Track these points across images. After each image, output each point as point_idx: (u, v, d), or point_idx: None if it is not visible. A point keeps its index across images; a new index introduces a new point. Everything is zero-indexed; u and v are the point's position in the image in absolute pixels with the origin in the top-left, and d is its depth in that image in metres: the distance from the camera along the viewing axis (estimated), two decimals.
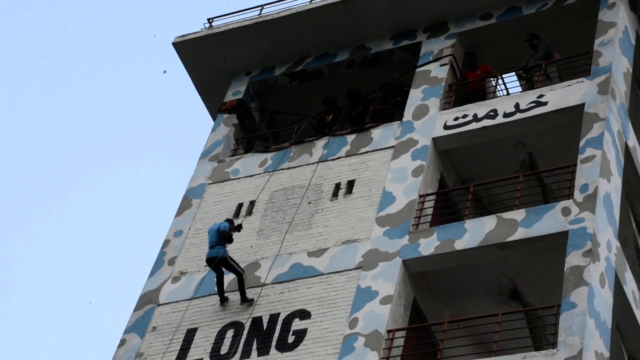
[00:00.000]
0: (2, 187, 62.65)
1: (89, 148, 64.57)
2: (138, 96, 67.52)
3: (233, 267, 21.33)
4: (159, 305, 22.33)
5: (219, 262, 21.20)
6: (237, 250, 22.47)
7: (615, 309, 20.08)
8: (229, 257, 21.33)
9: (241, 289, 21.25)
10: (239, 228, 21.77)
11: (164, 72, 64.17)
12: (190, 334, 21.34)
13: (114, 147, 65.64)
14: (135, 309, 22.44)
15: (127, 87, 67.24)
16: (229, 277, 21.54)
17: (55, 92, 65.52)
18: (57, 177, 65.21)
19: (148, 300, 22.51)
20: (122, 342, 21.88)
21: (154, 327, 21.88)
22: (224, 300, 21.48)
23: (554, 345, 18.46)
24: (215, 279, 21.46)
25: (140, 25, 67.88)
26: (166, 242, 23.69)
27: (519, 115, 22.68)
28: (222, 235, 21.36)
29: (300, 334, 20.44)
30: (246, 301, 21.23)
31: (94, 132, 65.19)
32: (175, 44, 27.29)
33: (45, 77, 65.92)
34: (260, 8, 27.04)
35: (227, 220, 21.87)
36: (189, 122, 65.49)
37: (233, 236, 21.54)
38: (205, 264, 21.59)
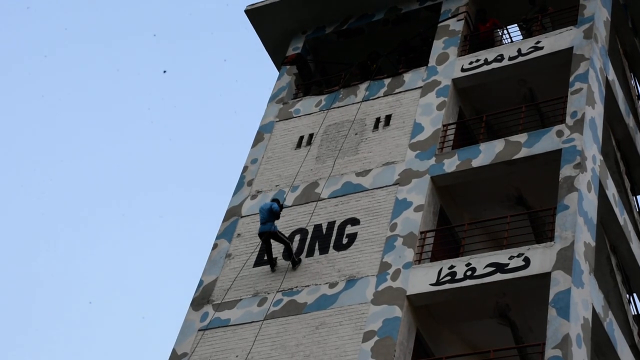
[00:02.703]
0: (13, 185, 54.92)
1: (89, 147, 56.73)
2: (138, 96, 59.26)
3: (281, 238, 20.44)
4: (241, 217, 22.44)
5: (269, 236, 20.41)
6: (300, 173, 22.56)
7: (599, 208, 20.19)
8: (278, 231, 20.51)
9: (290, 254, 20.41)
10: (282, 206, 20.85)
11: (164, 72, 57.33)
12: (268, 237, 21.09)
13: (117, 146, 57.31)
14: (224, 220, 22.56)
15: (127, 87, 58.57)
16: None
17: (55, 92, 57.08)
18: (57, 177, 56.82)
19: (233, 213, 22.65)
20: (215, 246, 22.08)
21: (239, 234, 22.07)
22: (273, 265, 20.60)
23: (551, 239, 18.63)
24: (266, 249, 20.65)
25: (140, 25, 59.54)
26: (245, 168, 23.72)
27: (520, 59, 22.54)
28: (273, 214, 20.47)
29: (352, 237, 20.55)
30: (296, 263, 20.38)
31: (93, 132, 57.10)
32: (246, 11, 26.88)
33: (45, 77, 57.24)
34: None
35: (275, 200, 20.95)
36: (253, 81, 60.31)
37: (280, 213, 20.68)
38: (258, 234, 20.74)
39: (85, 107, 56.21)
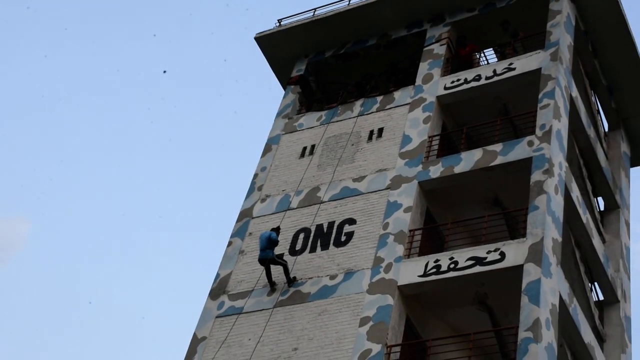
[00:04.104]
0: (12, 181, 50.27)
1: (89, 147, 52.37)
2: (138, 96, 54.60)
3: (278, 262, 20.03)
4: (252, 218, 22.45)
5: (269, 262, 20.03)
6: (304, 179, 22.52)
7: (565, 208, 20.22)
8: (276, 257, 20.05)
9: (286, 274, 20.00)
10: (278, 231, 20.57)
11: (164, 72, 53.05)
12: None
13: (117, 144, 52.52)
14: (237, 221, 22.57)
15: (127, 87, 53.73)
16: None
17: (55, 92, 52.60)
18: (57, 176, 52.48)
19: (245, 215, 22.64)
20: (229, 243, 22.08)
21: (250, 233, 22.07)
22: (272, 285, 20.17)
23: (524, 235, 18.64)
24: (266, 273, 20.21)
25: (140, 25, 55.07)
26: (255, 175, 23.67)
27: (496, 78, 22.51)
28: (271, 242, 20.01)
29: (350, 235, 20.56)
30: (291, 282, 19.97)
31: (93, 131, 52.68)
32: (256, 38, 26.83)
33: (45, 77, 52.53)
34: (313, 10, 26.66)
35: (273, 229, 20.54)
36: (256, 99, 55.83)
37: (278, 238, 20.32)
38: (259, 260, 20.30)
39: (85, 107, 52.23)
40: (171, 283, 50.99)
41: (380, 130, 22.94)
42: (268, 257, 20.00)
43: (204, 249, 51.46)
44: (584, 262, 21.85)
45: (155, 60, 53.14)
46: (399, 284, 18.86)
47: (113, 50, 53.14)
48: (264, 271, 20.33)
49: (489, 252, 18.48)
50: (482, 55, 25.52)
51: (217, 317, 20.45)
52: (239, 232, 22.28)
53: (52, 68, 51.94)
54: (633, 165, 26.94)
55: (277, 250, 20.78)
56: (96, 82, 52.64)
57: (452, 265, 18.63)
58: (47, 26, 52.97)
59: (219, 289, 21.09)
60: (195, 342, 20.17)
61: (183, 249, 52.32)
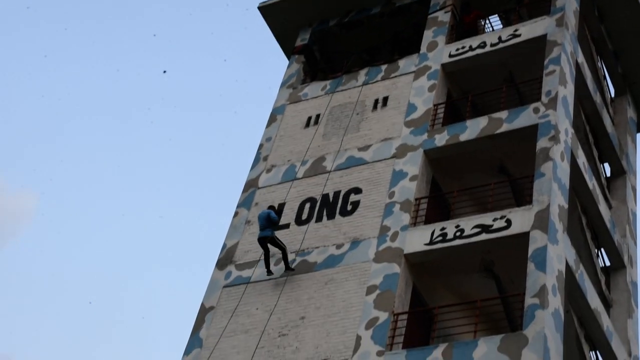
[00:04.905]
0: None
1: (89, 147, 52.32)
2: (138, 96, 54.96)
3: (278, 243, 19.63)
4: (258, 188, 22.45)
5: (268, 241, 19.67)
6: (310, 149, 22.50)
7: (571, 175, 20.17)
8: (276, 237, 19.74)
9: (285, 259, 19.57)
10: (276, 210, 20.43)
11: (164, 72, 52.86)
12: (281, 207, 21.46)
13: (116, 143, 52.40)
14: (243, 191, 22.56)
15: (127, 87, 53.64)
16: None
17: (56, 92, 52.23)
18: (57, 177, 52.42)
19: (251, 185, 22.65)
20: (236, 213, 22.11)
21: (256, 203, 22.06)
22: (270, 271, 19.72)
23: (530, 202, 18.63)
24: (264, 255, 19.87)
25: (140, 25, 54.85)
26: (261, 146, 23.67)
27: (501, 45, 22.42)
28: (271, 221, 19.69)
29: (355, 204, 20.59)
30: (289, 269, 19.56)
31: (93, 131, 52.52)
32: (260, 8, 26.72)
33: (45, 77, 52.16)
34: None
35: (271, 207, 20.35)
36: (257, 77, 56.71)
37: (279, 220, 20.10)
38: (259, 241, 19.97)
39: (85, 107, 52.16)
40: (148, 292, 51.32)
41: (385, 99, 22.90)
42: (268, 236, 19.66)
43: (210, 221, 51.97)
44: (591, 228, 21.86)
45: (155, 60, 53.21)
46: (405, 253, 18.92)
47: (113, 50, 53.33)
48: (262, 253, 20.07)
49: (495, 220, 18.49)
50: (487, 21, 25.39)
51: (224, 287, 20.53)
52: (245, 202, 22.31)
53: (52, 68, 52.27)
54: None
55: (283, 221, 20.83)
56: (96, 82, 52.74)
57: (458, 233, 18.65)
58: (47, 26, 53.22)
59: (226, 259, 21.17)
60: (203, 311, 20.29)
61: (189, 221, 52.69)
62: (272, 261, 20.13)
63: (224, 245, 21.56)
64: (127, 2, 53.73)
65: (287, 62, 26.88)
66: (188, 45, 55.77)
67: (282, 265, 19.94)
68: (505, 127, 20.32)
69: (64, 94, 51.99)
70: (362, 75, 24.05)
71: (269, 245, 19.85)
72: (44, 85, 51.97)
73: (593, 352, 20.17)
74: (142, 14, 54.38)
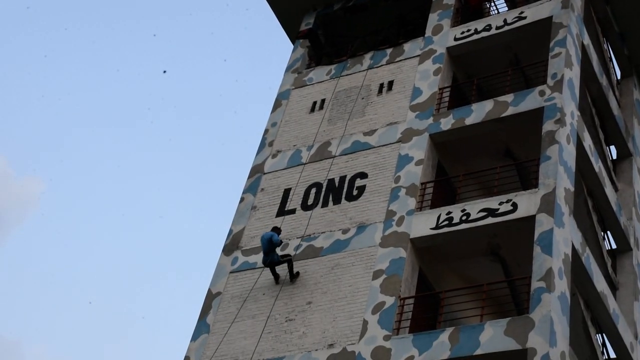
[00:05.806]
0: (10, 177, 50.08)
1: (89, 147, 51.74)
2: (138, 96, 54.34)
3: (283, 261, 19.57)
4: (264, 173, 22.46)
5: (275, 265, 19.58)
6: (315, 134, 22.50)
7: (577, 158, 20.16)
8: (279, 258, 19.54)
9: (290, 269, 19.48)
10: (279, 231, 20.02)
11: (164, 72, 52.13)
12: (287, 192, 21.52)
13: (116, 143, 51.89)
14: (249, 177, 22.56)
15: (127, 87, 53.17)
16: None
17: (55, 92, 52.00)
18: (57, 177, 52.36)
19: (257, 170, 22.64)
20: (242, 199, 22.13)
21: (262, 189, 22.08)
22: (277, 279, 19.66)
23: (536, 186, 18.63)
24: (271, 271, 19.69)
25: (140, 25, 54.47)
26: (266, 131, 23.64)
27: (506, 28, 22.37)
28: (273, 245, 19.43)
29: (361, 189, 20.58)
30: (294, 277, 19.49)
31: (93, 131, 52.03)
32: None
33: (45, 77, 52.00)
34: None
35: (274, 228, 20.00)
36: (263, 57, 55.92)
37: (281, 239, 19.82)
38: (263, 263, 19.78)
39: (85, 107, 51.95)
40: (148, 292, 51.24)
41: (391, 83, 22.87)
42: (274, 261, 19.54)
43: (216, 205, 51.82)
44: (597, 211, 21.85)
45: (155, 60, 53.03)
46: (411, 237, 18.94)
47: (113, 50, 53.11)
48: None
49: (501, 203, 18.50)
50: (492, 4, 25.32)
51: (231, 272, 20.59)
52: (251, 187, 22.33)
53: (52, 68, 52.05)
54: None
55: (290, 206, 20.89)
56: (96, 82, 52.52)
57: (464, 217, 18.66)
58: (47, 26, 53.07)
59: (232, 245, 21.21)
60: (210, 297, 20.35)
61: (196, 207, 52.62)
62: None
63: (230, 231, 21.58)
64: (127, 2, 53.78)
65: (286, 60, 26.60)
66: (188, 45, 55.73)
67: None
68: (510, 111, 20.28)
69: (64, 94, 52.05)
70: (367, 59, 24.00)
71: (275, 266, 19.72)
72: (44, 85, 52.21)
73: (599, 335, 20.20)
74: (142, 14, 54.45)
